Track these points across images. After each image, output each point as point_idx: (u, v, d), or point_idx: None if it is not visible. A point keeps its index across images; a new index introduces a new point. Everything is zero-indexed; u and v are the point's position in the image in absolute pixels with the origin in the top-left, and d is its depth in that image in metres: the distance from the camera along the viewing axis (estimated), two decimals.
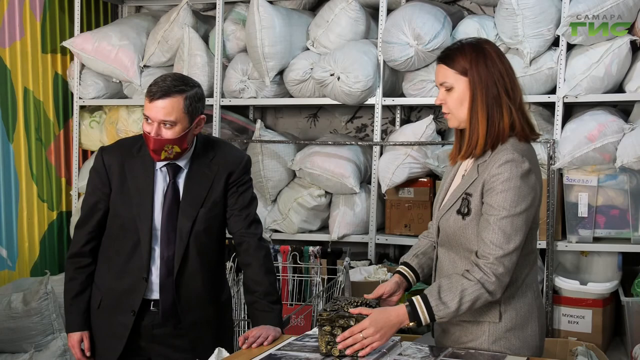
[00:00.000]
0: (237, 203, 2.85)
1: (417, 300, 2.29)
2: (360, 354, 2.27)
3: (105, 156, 2.84)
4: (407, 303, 2.31)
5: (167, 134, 2.67)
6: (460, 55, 2.36)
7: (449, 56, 2.38)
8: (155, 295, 2.78)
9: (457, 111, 2.37)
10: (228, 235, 2.94)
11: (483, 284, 2.27)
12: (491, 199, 2.29)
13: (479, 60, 2.34)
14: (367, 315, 2.29)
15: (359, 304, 2.41)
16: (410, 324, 2.29)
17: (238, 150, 3.03)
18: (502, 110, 2.34)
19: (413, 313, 2.29)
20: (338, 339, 2.28)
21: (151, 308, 2.79)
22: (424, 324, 2.29)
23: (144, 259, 2.76)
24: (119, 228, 2.81)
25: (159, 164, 2.79)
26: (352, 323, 2.30)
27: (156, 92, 2.64)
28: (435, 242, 2.53)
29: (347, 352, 2.27)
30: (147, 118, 2.68)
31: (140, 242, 2.76)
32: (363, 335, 2.26)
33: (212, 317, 2.88)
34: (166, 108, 2.64)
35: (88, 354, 2.88)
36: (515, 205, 2.27)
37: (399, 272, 2.63)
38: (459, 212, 2.38)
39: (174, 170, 2.79)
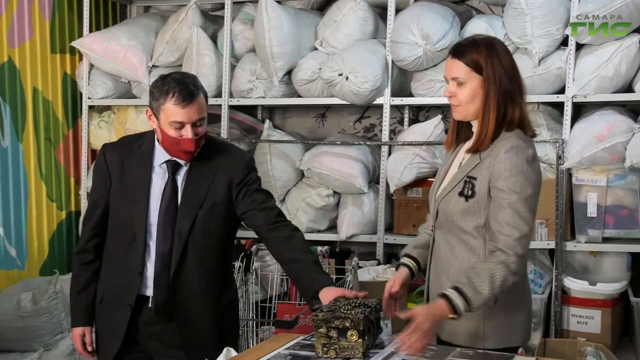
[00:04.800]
0: (256, 200, 2.84)
1: (451, 293, 2.30)
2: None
3: (107, 153, 2.88)
4: (442, 297, 2.30)
5: (200, 130, 2.73)
6: (474, 51, 2.41)
7: (462, 52, 2.43)
8: (150, 291, 2.80)
9: (467, 105, 2.44)
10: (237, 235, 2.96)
11: (507, 265, 2.31)
12: (502, 184, 2.35)
13: (493, 57, 2.40)
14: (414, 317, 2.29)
15: (357, 304, 2.41)
16: (450, 316, 2.29)
17: (239, 150, 3.05)
18: (514, 106, 2.41)
19: (451, 305, 2.29)
20: (399, 339, 2.27)
21: (149, 305, 2.81)
22: (462, 313, 2.29)
23: (140, 254, 2.78)
24: (117, 224, 2.84)
25: (157, 161, 2.81)
26: (347, 324, 2.28)
27: (186, 96, 2.66)
28: (432, 226, 2.56)
29: (412, 353, 2.26)
30: (178, 124, 2.68)
31: (136, 237, 2.78)
32: (423, 330, 2.26)
33: (209, 317, 2.88)
34: (198, 107, 2.69)
35: (89, 348, 2.93)
36: (525, 189, 2.34)
37: (404, 264, 2.67)
38: (461, 194, 2.43)
39: (174, 167, 2.81)
